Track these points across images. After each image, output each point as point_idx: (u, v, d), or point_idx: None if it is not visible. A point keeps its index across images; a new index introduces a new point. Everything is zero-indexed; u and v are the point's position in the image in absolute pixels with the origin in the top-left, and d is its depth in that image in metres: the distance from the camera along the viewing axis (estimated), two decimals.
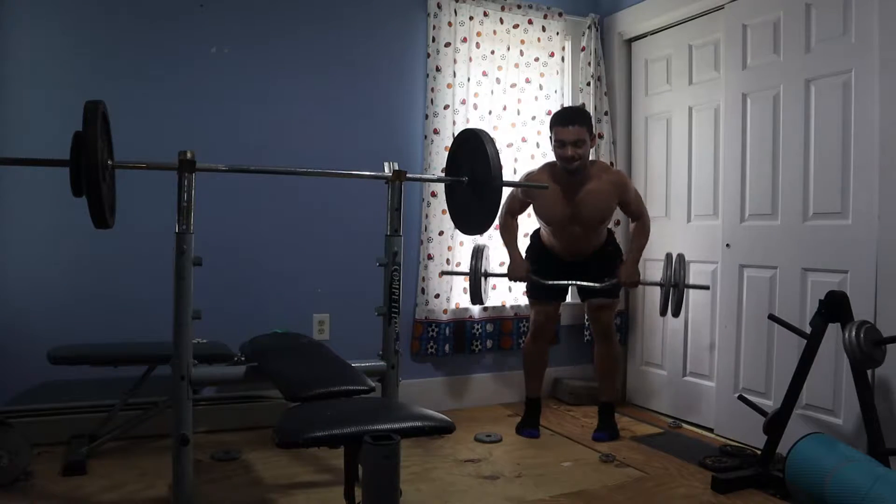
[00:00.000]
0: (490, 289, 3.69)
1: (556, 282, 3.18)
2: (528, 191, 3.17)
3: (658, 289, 3.11)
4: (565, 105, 3.88)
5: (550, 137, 3.11)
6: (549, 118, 3.76)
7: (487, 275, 3.23)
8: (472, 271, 3.18)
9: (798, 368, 2.56)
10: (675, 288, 2.98)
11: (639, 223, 3.20)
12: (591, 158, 3.15)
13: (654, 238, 3.70)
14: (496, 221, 2.59)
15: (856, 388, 2.44)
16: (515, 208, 3.27)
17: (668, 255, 3.06)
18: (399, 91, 3.56)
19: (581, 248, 3.20)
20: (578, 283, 3.18)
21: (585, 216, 3.10)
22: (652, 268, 3.75)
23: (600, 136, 3.80)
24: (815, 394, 2.81)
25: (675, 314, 3.05)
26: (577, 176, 3.06)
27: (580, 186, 3.07)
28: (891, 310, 2.55)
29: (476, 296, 3.21)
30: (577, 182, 3.07)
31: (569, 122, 3.00)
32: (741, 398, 2.87)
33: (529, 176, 3.22)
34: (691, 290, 3.51)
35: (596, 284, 3.13)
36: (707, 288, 3.24)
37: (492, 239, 3.66)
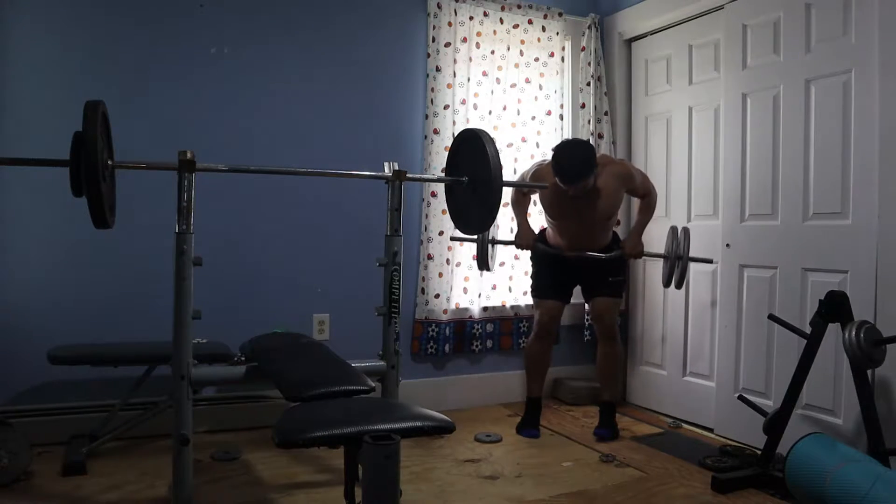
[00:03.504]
0: (490, 288, 3.71)
1: (557, 251, 3.23)
2: (549, 190, 3.13)
3: (663, 265, 3.19)
4: (564, 104, 3.88)
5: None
6: (548, 118, 3.79)
7: (495, 242, 3.32)
8: (480, 238, 3.26)
9: (798, 368, 2.56)
10: (678, 260, 3.06)
11: (645, 200, 3.24)
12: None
13: (655, 239, 3.71)
14: (496, 220, 2.59)
15: (856, 388, 2.44)
16: (521, 195, 3.32)
17: (673, 228, 3.14)
18: (399, 91, 3.56)
19: (586, 245, 3.18)
20: (587, 253, 3.17)
21: (592, 212, 3.09)
22: (652, 269, 3.75)
23: (600, 137, 3.80)
24: (815, 394, 2.81)
25: (678, 286, 3.13)
26: None
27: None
28: (891, 310, 2.55)
29: (483, 262, 3.32)
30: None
31: (571, 182, 2.92)
32: (741, 398, 2.87)
33: (538, 169, 3.20)
34: (691, 291, 3.53)
35: (602, 255, 3.18)
36: (710, 261, 3.29)
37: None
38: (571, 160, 2.93)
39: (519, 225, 3.31)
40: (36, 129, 2.84)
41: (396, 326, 2.49)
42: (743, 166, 3.17)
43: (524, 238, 3.27)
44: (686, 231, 3.10)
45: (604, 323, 3.24)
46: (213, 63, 3.17)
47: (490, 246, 3.28)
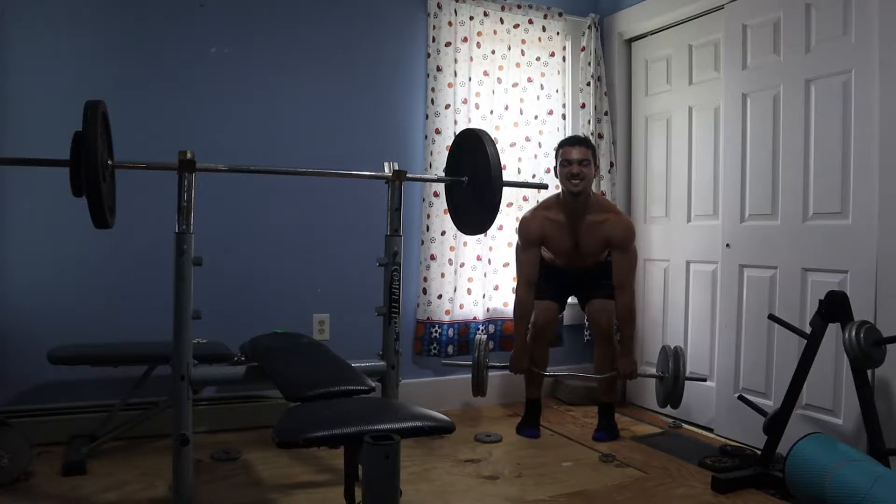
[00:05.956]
0: (493, 289, 3.70)
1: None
2: (543, 235, 3.18)
3: (656, 385, 3.16)
4: (566, 104, 3.89)
5: (555, 168, 3.22)
6: (550, 118, 3.80)
7: (489, 367, 3.23)
8: (475, 364, 3.19)
9: (798, 368, 2.56)
10: (676, 380, 3.00)
11: (623, 306, 3.14)
12: (595, 191, 3.22)
13: (655, 239, 3.72)
14: (496, 224, 2.60)
15: (856, 388, 2.44)
16: (531, 271, 3.19)
17: (665, 348, 3.09)
18: (400, 91, 3.56)
19: (582, 267, 3.29)
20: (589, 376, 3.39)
21: (587, 249, 3.20)
22: (652, 269, 3.75)
23: (600, 137, 3.80)
24: (815, 394, 2.81)
25: (675, 406, 3.08)
26: (580, 201, 3.12)
27: (582, 218, 3.15)
28: (891, 310, 2.55)
29: (478, 388, 3.22)
30: (579, 210, 3.14)
31: (576, 144, 3.16)
32: (741, 398, 2.87)
33: (531, 215, 3.26)
34: (691, 291, 3.52)
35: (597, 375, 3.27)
36: (704, 380, 3.28)
37: (495, 239, 3.67)
38: (575, 135, 3.40)
39: (517, 342, 3.22)
40: (36, 129, 2.84)
41: (396, 326, 2.49)
42: (743, 166, 3.17)
43: (519, 362, 3.20)
44: (679, 350, 3.04)
45: (600, 325, 3.23)
46: (213, 63, 3.17)
47: (486, 370, 3.19)
